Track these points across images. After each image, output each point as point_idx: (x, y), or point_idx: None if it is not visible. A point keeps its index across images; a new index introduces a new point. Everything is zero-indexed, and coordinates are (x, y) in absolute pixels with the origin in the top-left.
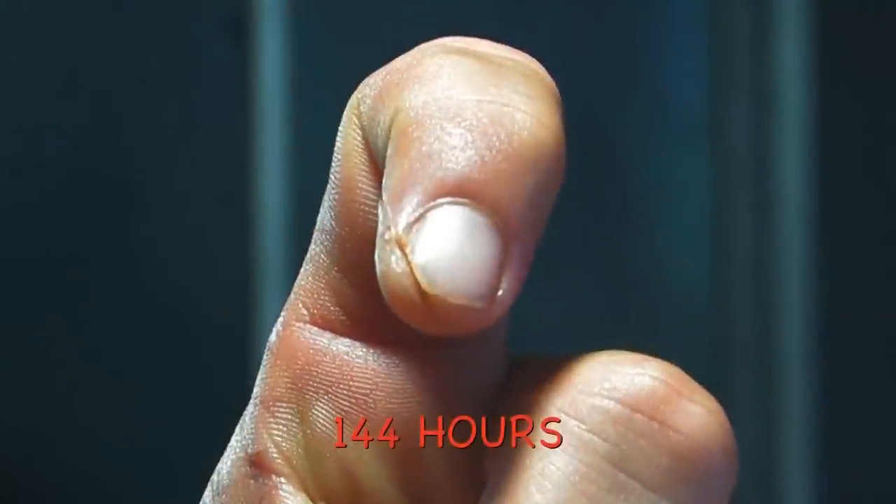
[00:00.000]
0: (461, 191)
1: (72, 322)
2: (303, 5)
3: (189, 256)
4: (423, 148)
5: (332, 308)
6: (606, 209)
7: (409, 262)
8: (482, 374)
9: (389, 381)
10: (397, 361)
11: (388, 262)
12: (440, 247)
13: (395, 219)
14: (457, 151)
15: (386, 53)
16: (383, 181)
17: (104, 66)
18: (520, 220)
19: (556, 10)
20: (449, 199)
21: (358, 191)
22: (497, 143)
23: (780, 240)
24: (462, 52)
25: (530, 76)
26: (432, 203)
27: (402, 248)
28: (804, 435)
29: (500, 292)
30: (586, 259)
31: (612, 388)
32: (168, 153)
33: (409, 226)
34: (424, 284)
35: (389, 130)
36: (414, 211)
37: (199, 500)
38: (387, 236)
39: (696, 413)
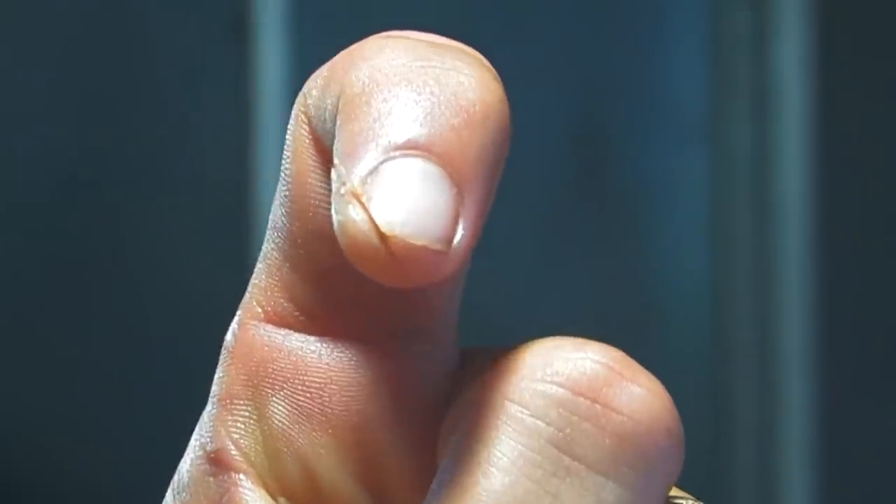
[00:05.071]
0: (413, 145)
1: (70, 323)
2: (303, 5)
3: (188, 256)
4: (372, 111)
5: (285, 304)
6: (606, 209)
7: (366, 210)
8: (433, 366)
9: (343, 374)
10: (351, 355)
11: (346, 213)
12: (397, 194)
13: (348, 174)
14: (406, 110)
15: None
16: (333, 148)
17: (103, 66)
18: (472, 171)
19: (556, 9)
20: (401, 152)
21: (308, 186)
22: (444, 100)
23: (780, 240)
24: (403, 36)
25: (470, 54)
26: (385, 156)
27: (358, 199)
28: (804, 435)
29: (457, 238)
30: (586, 258)
31: (554, 372)
32: (168, 153)
33: (364, 178)
34: (384, 227)
35: (337, 109)
36: (368, 164)
37: None
38: (342, 191)
39: (639, 394)
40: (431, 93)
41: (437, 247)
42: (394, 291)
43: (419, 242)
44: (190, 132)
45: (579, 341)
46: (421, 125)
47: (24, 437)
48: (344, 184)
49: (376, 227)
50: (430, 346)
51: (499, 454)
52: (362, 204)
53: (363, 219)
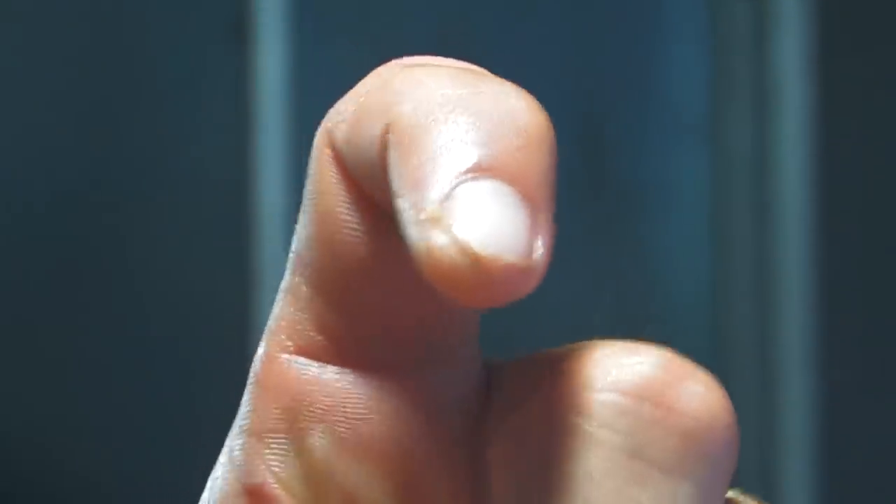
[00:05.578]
0: (481, 168)
1: (70, 323)
2: (303, 5)
3: (188, 257)
4: (434, 139)
5: (316, 338)
6: (606, 209)
7: (451, 233)
8: (461, 388)
9: (383, 403)
10: (387, 384)
11: (429, 238)
12: (476, 215)
13: (422, 202)
14: (468, 135)
15: (386, 54)
16: (393, 182)
17: (103, 66)
18: (539, 189)
19: (555, 8)
20: (472, 175)
21: (339, 222)
22: (503, 123)
23: (780, 240)
24: (429, 63)
25: (502, 79)
26: (457, 181)
27: (440, 223)
28: (804, 434)
29: (536, 254)
30: (586, 259)
31: (615, 381)
32: (167, 153)
33: (440, 203)
34: (475, 248)
35: (383, 145)
36: (441, 190)
37: (197, 501)
38: (422, 216)
39: (698, 392)
40: (489, 117)
41: (523, 264)
42: (422, 316)
43: (506, 260)
44: (190, 132)
45: (630, 345)
46: (487, 148)
47: (24, 437)
48: (421, 211)
49: (464, 249)
50: (457, 369)
51: (573, 469)
52: (445, 227)
53: (450, 242)
